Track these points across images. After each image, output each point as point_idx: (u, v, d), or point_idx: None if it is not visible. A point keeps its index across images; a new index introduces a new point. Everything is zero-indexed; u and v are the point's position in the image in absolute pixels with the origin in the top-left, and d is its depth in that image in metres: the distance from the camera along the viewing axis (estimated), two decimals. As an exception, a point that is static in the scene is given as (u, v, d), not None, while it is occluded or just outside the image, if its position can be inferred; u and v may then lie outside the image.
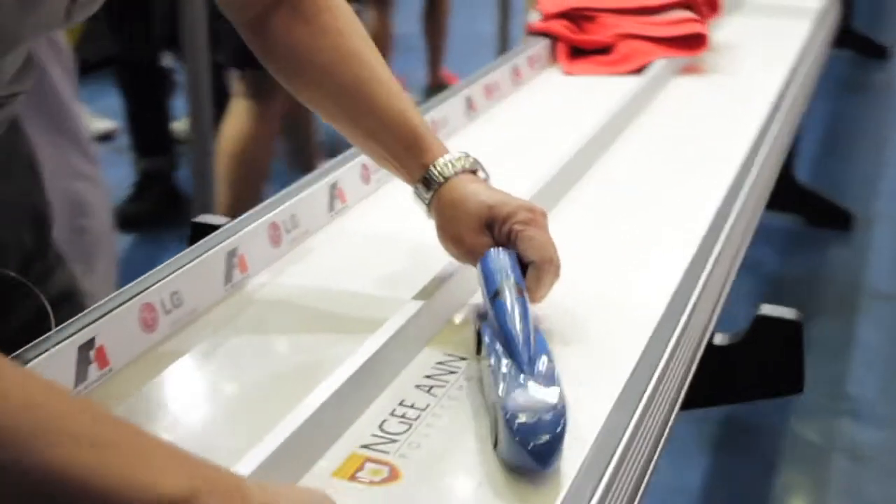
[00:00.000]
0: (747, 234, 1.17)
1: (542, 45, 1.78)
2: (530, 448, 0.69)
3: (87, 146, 2.50)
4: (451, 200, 0.90)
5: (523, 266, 0.88)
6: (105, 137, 3.77)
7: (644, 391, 0.78)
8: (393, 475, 0.73)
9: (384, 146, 0.93)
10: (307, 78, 0.93)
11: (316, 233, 1.11)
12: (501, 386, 0.74)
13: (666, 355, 0.83)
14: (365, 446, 0.76)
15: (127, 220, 2.98)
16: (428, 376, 0.85)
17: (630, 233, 1.14)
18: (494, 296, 0.83)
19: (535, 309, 0.90)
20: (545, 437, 0.69)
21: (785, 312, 0.96)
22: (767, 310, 0.97)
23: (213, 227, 1.02)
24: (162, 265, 0.91)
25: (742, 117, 1.48)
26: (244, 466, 0.67)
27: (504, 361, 0.77)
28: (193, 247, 0.96)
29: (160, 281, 0.89)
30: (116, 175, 3.27)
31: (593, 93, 1.65)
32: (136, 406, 0.80)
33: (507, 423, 0.70)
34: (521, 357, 0.77)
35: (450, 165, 0.91)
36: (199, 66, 2.34)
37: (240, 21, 0.94)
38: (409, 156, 0.92)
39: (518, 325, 0.79)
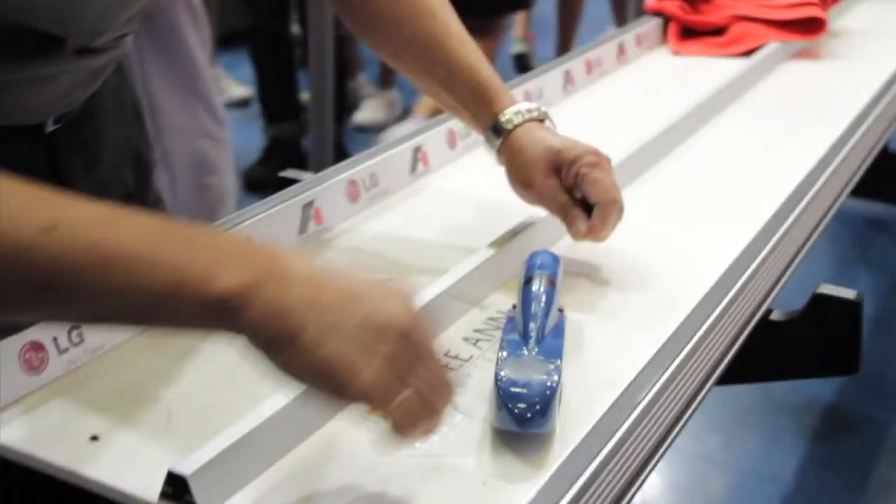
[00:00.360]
0: (824, 218, 1.16)
1: (652, 24, 1.79)
2: (514, 411, 0.71)
3: (217, 108, 2.60)
4: (520, 147, 0.95)
5: (588, 208, 0.94)
6: (241, 104, 3.91)
7: (678, 354, 0.80)
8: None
9: (455, 96, 0.98)
10: (383, 32, 0.99)
11: (395, 193, 1.15)
12: (503, 353, 0.78)
13: (708, 323, 0.85)
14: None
15: (254, 182, 3.10)
16: (477, 330, 0.89)
17: (707, 204, 1.15)
18: (526, 282, 0.86)
19: (601, 257, 0.97)
20: (529, 403, 0.71)
21: (844, 292, 0.96)
22: (826, 289, 0.97)
23: (296, 182, 1.08)
24: (238, 212, 0.97)
25: (845, 104, 1.46)
26: (284, 397, 0.72)
27: (515, 335, 0.80)
28: (271, 197, 1.01)
29: (235, 226, 0.95)
30: (247, 140, 3.40)
31: (699, 74, 1.65)
32: (200, 340, 0.85)
33: (496, 387, 0.73)
34: (529, 331, 0.80)
35: (518, 114, 0.96)
36: (323, 37, 2.41)
37: None
38: (479, 106, 0.97)
39: (536, 305, 0.83)
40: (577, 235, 0.95)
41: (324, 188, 1.05)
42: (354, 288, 0.63)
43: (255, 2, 3.28)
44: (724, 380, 0.91)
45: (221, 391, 0.80)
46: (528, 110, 0.97)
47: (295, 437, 0.73)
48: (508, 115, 0.96)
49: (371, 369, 0.61)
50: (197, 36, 2.54)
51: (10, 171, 0.59)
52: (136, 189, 1.05)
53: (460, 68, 0.96)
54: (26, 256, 0.56)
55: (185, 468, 0.65)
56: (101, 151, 0.99)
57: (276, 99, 3.37)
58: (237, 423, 0.69)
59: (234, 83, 4.03)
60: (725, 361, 0.90)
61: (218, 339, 0.84)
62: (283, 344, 0.60)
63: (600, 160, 0.94)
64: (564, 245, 1.01)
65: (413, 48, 0.98)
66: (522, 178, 0.96)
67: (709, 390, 0.88)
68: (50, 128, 0.90)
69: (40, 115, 0.89)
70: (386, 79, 3.88)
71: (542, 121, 0.97)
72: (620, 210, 0.94)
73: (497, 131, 0.96)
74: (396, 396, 0.63)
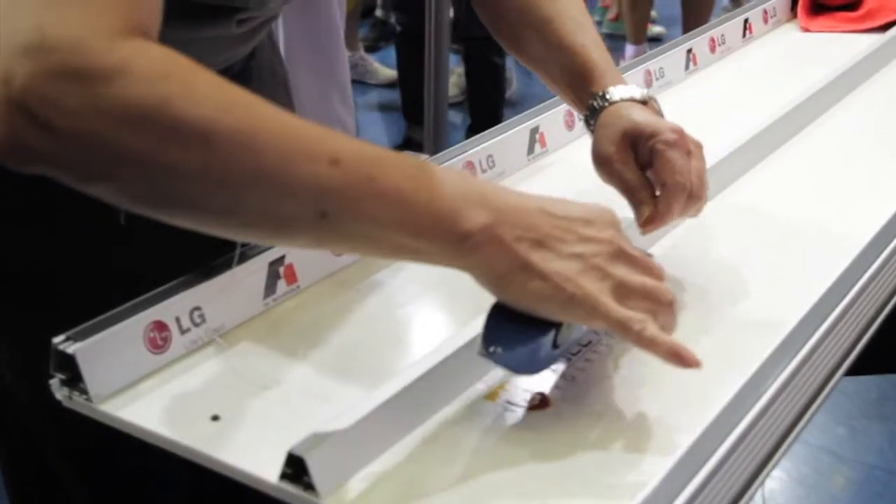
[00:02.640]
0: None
1: (780, -1, 1.73)
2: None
3: (348, 92, 2.62)
4: (605, 122, 0.90)
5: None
6: (391, 84, 3.97)
7: (806, 342, 0.77)
8: (543, 403, 0.76)
9: (563, 76, 0.95)
10: (508, 17, 0.98)
11: (512, 174, 1.14)
12: None
13: (837, 311, 0.82)
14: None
15: None
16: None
17: (835, 187, 1.11)
18: None
19: (721, 243, 0.95)
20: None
21: None
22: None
23: (414, 164, 1.07)
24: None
25: None
26: (398, 383, 0.72)
27: None
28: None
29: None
30: (379, 131, 3.47)
31: (830, 51, 1.59)
32: (318, 322, 0.87)
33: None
34: None
35: (618, 92, 0.91)
36: (441, 32, 2.39)
37: None
38: (584, 85, 0.93)
39: None
40: (639, 221, 0.87)
41: (441, 170, 1.04)
42: (568, 215, 0.70)
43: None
44: (853, 370, 0.88)
45: (340, 374, 0.80)
46: (631, 89, 0.92)
47: (412, 421, 0.72)
48: (607, 93, 0.91)
49: (591, 281, 0.69)
50: (341, 17, 2.56)
51: None
52: None
53: (572, 50, 0.94)
54: (313, 184, 0.63)
55: (303, 449, 0.65)
56: None
57: (416, 101, 3.37)
58: (355, 406, 0.69)
59: (382, 66, 4.08)
60: (856, 351, 0.86)
61: (336, 322, 0.86)
62: (512, 275, 0.68)
63: (682, 140, 0.86)
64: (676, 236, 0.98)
65: (530, 31, 0.96)
66: (599, 152, 0.90)
67: (837, 381, 0.84)
68: None
69: None
70: None
71: (644, 103, 0.92)
72: (693, 198, 0.86)
73: (593, 110, 0.92)
74: (620, 297, 0.70)
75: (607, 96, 0.91)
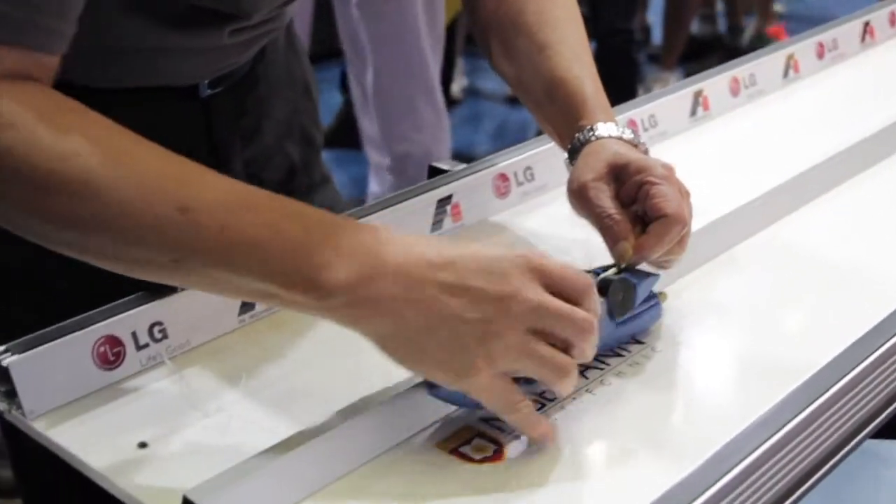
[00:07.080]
0: None
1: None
2: None
3: (437, 96, 2.54)
4: (590, 153, 0.82)
5: (645, 225, 0.78)
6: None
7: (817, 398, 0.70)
8: (497, 455, 0.69)
9: (552, 106, 0.87)
10: (504, 37, 0.91)
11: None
12: None
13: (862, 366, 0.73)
14: (483, 420, 0.71)
15: None
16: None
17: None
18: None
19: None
20: None
21: None
22: None
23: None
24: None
25: None
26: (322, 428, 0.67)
27: None
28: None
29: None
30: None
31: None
32: (285, 346, 0.81)
33: None
34: None
35: (606, 129, 0.83)
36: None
37: None
38: (572, 118, 0.85)
39: None
40: (622, 256, 0.77)
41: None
42: (464, 274, 0.64)
43: None
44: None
45: (290, 405, 0.74)
46: (621, 128, 0.83)
47: (336, 468, 0.66)
48: (595, 128, 0.83)
49: (478, 365, 0.64)
50: (428, 20, 2.49)
51: (165, 132, 0.67)
52: (303, 167, 1.05)
53: (563, 79, 0.86)
54: (159, 232, 0.63)
55: (198, 495, 0.61)
56: (262, 121, 0.99)
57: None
58: (265, 452, 0.65)
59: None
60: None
61: (306, 346, 0.81)
62: (388, 337, 0.64)
63: (673, 175, 0.79)
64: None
65: (526, 57, 0.89)
66: (577, 182, 0.81)
67: (860, 442, 0.75)
68: (205, 92, 0.91)
69: (193, 79, 0.90)
70: None
71: (635, 146, 0.83)
72: (684, 232, 0.77)
73: (578, 143, 0.83)
74: (508, 393, 0.66)
75: (595, 131, 0.83)
